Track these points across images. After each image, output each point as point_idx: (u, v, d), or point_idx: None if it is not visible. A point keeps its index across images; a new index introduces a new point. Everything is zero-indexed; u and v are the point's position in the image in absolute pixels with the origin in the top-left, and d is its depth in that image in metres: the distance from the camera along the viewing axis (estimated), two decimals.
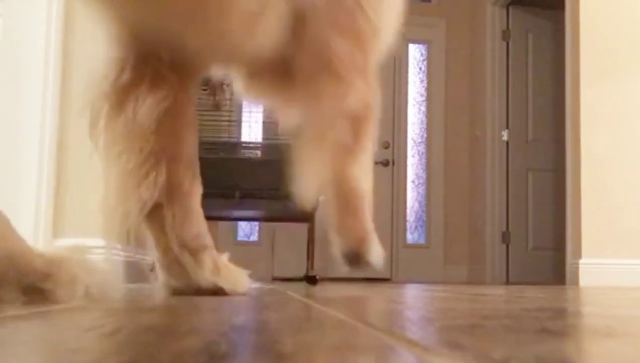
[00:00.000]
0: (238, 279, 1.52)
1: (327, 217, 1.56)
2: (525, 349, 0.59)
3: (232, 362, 0.50)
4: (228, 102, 3.57)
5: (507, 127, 5.83)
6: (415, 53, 6.49)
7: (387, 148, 6.28)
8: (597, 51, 4.21)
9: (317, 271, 3.41)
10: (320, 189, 1.53)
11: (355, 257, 1.54)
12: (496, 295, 2.14)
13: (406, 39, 6.43)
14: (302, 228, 3.73)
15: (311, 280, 3.35)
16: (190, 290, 1.44)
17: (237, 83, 1.55)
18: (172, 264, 1.45)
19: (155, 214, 1.42)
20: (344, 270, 1.57)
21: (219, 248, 1.51)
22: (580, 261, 4.04)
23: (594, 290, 3.05)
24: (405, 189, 6.35)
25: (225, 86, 3.50)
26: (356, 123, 1.47)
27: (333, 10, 1.37)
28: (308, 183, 1.47)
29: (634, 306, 1.42)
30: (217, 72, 1.66)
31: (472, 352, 0.57)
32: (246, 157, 3.42)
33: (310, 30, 1.36)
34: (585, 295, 2.30)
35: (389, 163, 6.27)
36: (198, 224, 1.48)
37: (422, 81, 6.49)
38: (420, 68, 6.50)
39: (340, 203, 1.53)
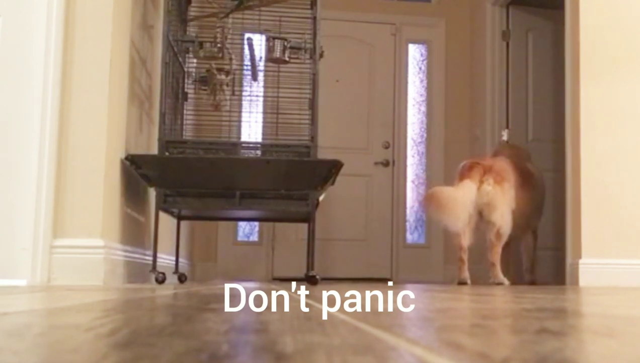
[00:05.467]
0: (504, 280, 4.19)
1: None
2: (525, 349, 0.59)
3: (232, 362, 0.50)
4: (228, 102, 3.56)
5: (507, 127, 5.83)
6: (415, 53, 6.49)
7: (387, 148, 6.28)
8: (597, 51, 4.21)
9: (317, 271, 3.41)
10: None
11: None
12: (496, 295, 2.14)
13: (406, 39, 6.43)
14: (302, 228, 3.72)
15: (311, 280, 3.35)
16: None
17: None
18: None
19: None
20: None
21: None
22: (580, 261, 4.04)
23: (594, 290, 3.05)
24: (405, 189, 6.34)
25: (225, 86, 3.50)
26: (496, 234, 4.23)
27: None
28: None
29: (634, 306, 1.42)
30: None
31: (472, 352, 0.57)
32: (246, 157, 3.41)
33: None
34: (585, 295, 2.30)
35: (389, 163, 6.27)
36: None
37: (422, 81, 6.49)
38: (420, 68, 6.50)
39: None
